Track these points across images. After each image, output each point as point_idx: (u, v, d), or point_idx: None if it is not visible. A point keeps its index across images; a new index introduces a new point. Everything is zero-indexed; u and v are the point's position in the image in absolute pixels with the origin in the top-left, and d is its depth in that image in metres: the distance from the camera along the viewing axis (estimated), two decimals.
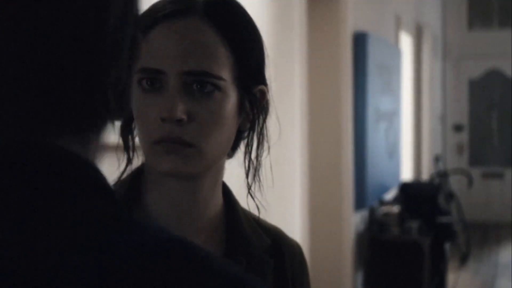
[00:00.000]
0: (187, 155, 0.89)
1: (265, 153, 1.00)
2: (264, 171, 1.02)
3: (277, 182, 3.56)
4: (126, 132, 0.97)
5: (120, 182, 0.98)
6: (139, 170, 0.98)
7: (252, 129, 0.98)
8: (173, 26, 0.90)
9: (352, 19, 4.19)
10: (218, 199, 0.99)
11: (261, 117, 0.98)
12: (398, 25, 5.79)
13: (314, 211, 3.83)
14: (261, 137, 0.99)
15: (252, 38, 0.95)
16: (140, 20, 0.89)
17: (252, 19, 0.96)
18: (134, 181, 0.97)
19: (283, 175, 3.26)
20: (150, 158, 0.91)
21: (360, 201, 4.38)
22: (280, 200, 3.18)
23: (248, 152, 1.00)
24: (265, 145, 1.00)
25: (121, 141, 0.98)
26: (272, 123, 1.04)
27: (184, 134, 0.88)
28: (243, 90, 0.94)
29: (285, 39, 3.24)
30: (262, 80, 0.97)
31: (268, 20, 3.09)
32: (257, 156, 1.00)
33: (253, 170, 1.00)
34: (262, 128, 0.99)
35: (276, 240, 1.04)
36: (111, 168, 1.00)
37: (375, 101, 4.62)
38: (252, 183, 1.00)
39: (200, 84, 0.89)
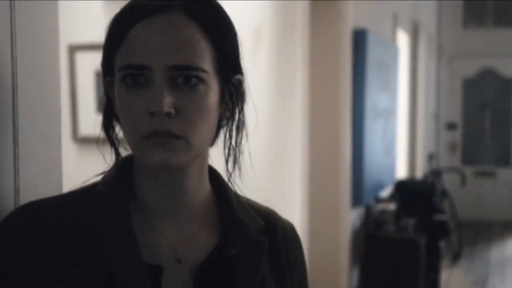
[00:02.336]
0: (176, 147, 0.91)
1: (243, 140, 1.03)
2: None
3: (276, 179, 3.54)
4: (107, 128, 1.00)
5: (110, 173, 1.00)
6: (128, 161, 1.01)
7: (231, 117, 1.01)
8: (155, 22, 0.91)
9: (352, 16, 4.19)
10: (205, 186, 1.03)
11: (239, 105, 1.02)
12: (395, 23, 5.79)
13: (312, 208, 3.84)
14: (240, 125, 1.02)
15: (229, 31, 0.98)
16: (121, 17, 0.91)
17: (227, 13, 0.99)
18: (125, 171, 0.99)
19: (282, 172, 3.26)
20: (139, 152, 0.93)
21: (357, 198, 4.38)
22: (279, 197, 3.18)
23: (228, 140, 1.03)
24: (244, 132, 1.03)
25: (103, 136, 1.01)
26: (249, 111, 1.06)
27: (172, 127, 0.90)
28: (223, 81, 0.96)
29: (287, 36, 3.23)
30: (239, 69, 1.01)
31: (271, 17, 3.08)
32: (236, 144, 1.03)
33: (233, 157, 1.03)
34: (240, 116, 1.02)
35: (269, 220, 1.08)
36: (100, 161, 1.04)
37: (373, 98, 4.62)
38: (232, 171, 1.03)
39: (185, 77, 0.91)
